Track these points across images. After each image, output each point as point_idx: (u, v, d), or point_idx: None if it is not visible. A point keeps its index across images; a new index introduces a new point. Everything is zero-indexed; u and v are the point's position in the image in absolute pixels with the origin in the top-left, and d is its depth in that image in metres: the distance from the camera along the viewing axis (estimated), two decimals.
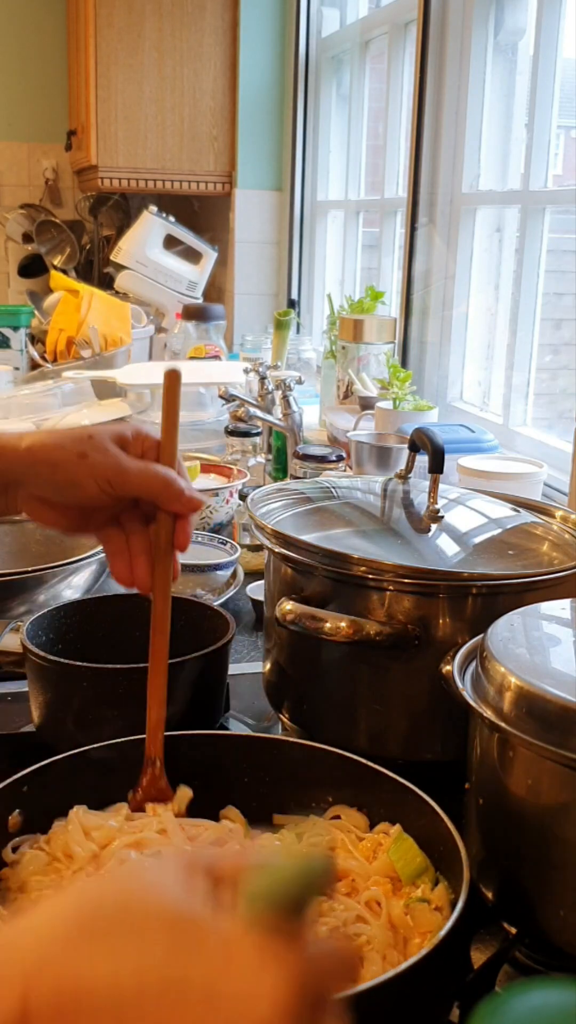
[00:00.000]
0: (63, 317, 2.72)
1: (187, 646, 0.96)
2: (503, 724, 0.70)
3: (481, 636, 0.79)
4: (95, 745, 0.83)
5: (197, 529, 1.53)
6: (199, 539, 1.45)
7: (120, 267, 3.09)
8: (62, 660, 0.95)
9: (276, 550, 0.98)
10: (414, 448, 1.11)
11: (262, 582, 1.34)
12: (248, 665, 1.24)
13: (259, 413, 1.92)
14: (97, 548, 1.28)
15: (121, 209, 3.69)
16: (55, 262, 3.54)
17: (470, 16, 2.06)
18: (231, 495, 1.67)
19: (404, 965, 0.59)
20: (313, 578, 0.95)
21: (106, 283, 3.31)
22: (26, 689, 1.02)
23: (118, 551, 0.81)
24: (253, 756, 0.86)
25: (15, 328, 2.81)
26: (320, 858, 0.43)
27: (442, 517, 1.02)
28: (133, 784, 0.81)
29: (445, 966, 0.65)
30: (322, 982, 0.41)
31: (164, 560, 0.79)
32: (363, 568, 0.91)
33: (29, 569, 1.24)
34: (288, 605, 0.92)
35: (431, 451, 1.03)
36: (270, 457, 2.05)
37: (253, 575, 1.50)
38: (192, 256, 3.12)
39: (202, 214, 3.54)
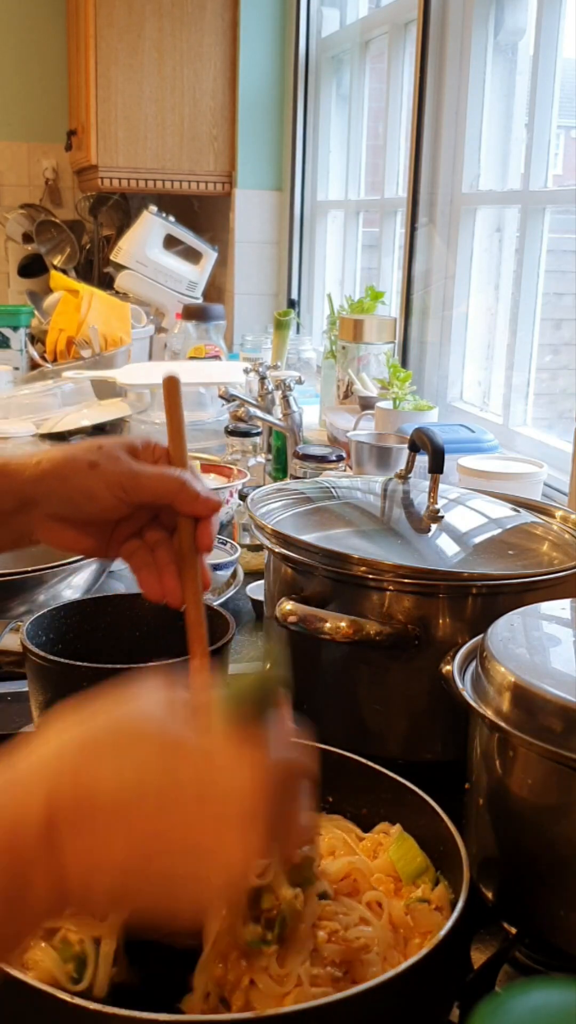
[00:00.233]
0: (63, 317, 2.72)
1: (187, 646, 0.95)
2: (503, 724, 0.70)
3: (481, 636, 0.79)
4: None
5: None
6: None
7: (120, 267, 3.09)
8: (62, 660, 0.95)
9: (276, 550, 0.98)
10: (414, 448, 1.11)
11: (262, 582, 1.34)
12: (248, 665, 1.24)
13: (259, 413, 1.92)
14: None
15: (121, 209, 3.69)
16: (55, 262, 3.54)
17: (470, 16, 2.06)
18: (231, 495, 1.67)
19: (404, 965, 0.59)
20: (313, 578, 0.95)
21: (106, 283, 3.31)
22: (26, 689, 1.02)
23: (144, 565, 0.79)
24: None
25: (15, 328, 2.82)
26: (272, 672, 0.55)
27: (442, 517, 1.02)
28: None
29: (445, 966, 0.65)
30: (289, 772, 0.51)
31: (191, 567, 0.77)
32: (363, 568, 0.91)
33: (29, 569, 1.24)
34: (288, 605, 0.92)
35: (431, 451, 1.03)
36: (270, 457, 2.05)
37: (253, 575, 1.50)
38: (192, 256, 3.12)
39: (202, 214, 3.54)
